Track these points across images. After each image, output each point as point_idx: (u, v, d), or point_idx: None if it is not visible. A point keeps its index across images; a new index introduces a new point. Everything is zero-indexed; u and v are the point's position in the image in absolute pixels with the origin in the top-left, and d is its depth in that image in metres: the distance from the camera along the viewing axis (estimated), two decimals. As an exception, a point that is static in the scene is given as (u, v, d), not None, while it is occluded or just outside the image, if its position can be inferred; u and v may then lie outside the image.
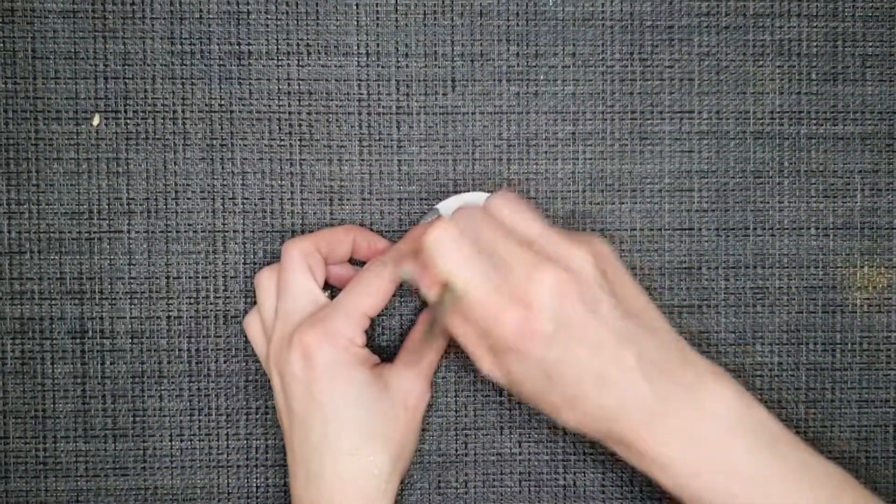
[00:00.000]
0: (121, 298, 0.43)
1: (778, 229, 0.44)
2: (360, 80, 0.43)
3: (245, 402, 0.43)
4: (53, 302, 0.43)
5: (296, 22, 0.43)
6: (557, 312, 0.34)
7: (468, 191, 0.43)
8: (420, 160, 0.43)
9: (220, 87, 0.43)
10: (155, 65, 0.43)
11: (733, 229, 0.44)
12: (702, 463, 0.35)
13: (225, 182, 0.43)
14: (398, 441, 0.38)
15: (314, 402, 0.37)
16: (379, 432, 0.37)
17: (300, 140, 0.43)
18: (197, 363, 0.43)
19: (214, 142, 0.43)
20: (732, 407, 0.35)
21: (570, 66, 0.43)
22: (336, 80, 0.43)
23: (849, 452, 0.44)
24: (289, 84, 0.43)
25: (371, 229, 0.43)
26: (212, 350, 0.43)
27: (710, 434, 0.35)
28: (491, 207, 0.37)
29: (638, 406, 0.35)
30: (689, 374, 0.35)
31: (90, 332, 0.43)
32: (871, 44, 0.43)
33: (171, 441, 0.43)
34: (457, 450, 0.44)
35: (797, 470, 0.35)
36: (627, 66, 0.43)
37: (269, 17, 0.43)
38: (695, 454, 0.35)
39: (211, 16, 0.43)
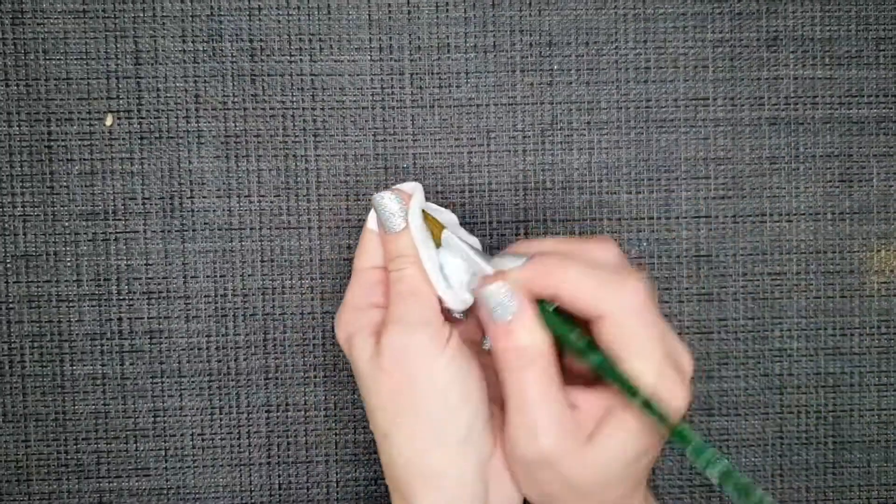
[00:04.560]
0: (138, 299, 0.43)
1: (794, 215, 0.44)
2: (374, 75, 0.43)
3: (266, 400, 0.43)
4: (71, 304, 0.43)
5: (308, 17, 0.43)
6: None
7: (483, 183, 0.43)
8: (435, 153, 0.43)
9: (233, 84, 0.43)
10: (167, 63, 0.43)
11: (750, 216, 0.44)
12: None
13: (240, 179, 0.43)
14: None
15: None
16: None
17: (314, 136, 0.43)
18: (217, 361, 0.43)
19: (228, 139, 0.43)
20: None
21: (583, 56, 0.43)
22: (349, 74, 0.43)
23: (868, 436, 0.44)
24: (302, 80, 0.43)
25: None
26: (231, 348, 0.43)
27: None
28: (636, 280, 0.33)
29: None
30: None
31: (108, 333, 0.43)
32: (884, 27, 0.43)
33: (192, 440, 0.43)
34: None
35: None
36: (641, 54, 0.43)
37: (280, 13, 0.43)
38: None
39: (222, 13, 0.42)
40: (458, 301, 0.35)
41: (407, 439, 0.34)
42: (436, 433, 0.34)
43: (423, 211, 0.35)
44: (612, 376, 0.31)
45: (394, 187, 0.35)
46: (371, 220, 0.36)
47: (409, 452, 0.35)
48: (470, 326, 0.38)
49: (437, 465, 0.34)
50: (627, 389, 0.31)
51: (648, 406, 0.31)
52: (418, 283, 0.35)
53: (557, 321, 0.33)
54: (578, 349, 0.32)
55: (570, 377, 0.34)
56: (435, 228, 0.35)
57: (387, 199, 0.35)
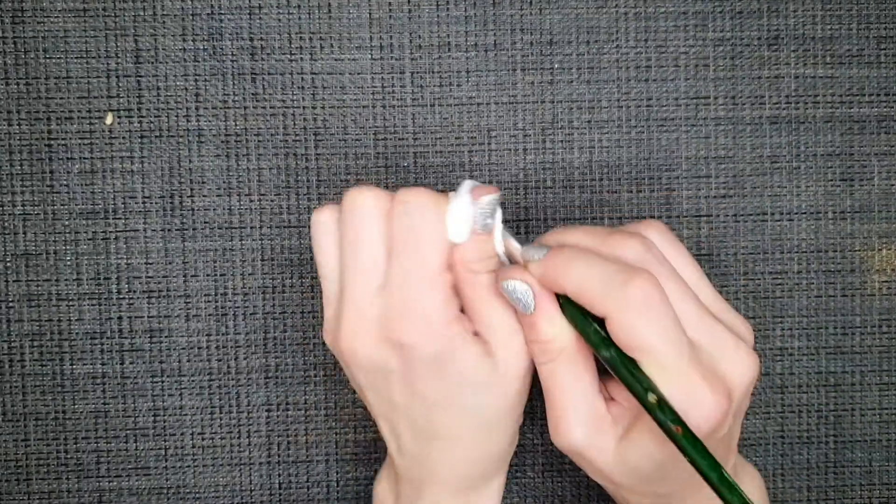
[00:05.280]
0: (138, 298, 0.43)
1: (795, 214, 0.44)
2: (374, 73, 0.43)
3: (266, 399, 0.43)
4: (70, 303, 0.43)
5: (308, 16, 0.43)
6: (738, 408, 0.32)
7: (484, 182, 0.43)
8: (436, 152, 0.43)
9: (234, 83, 0.43)
10: (167, 62, 0.42)
11: (751, 215, 0.44)
12: None
13: (240, 178, 0.43)
14: None
15: None
16: None
17: (315, 134, 0.43)
18: (217, 360, 0.43)
19: (229, 138, 0.43)
20: None
21: (584, 54, 0.43)
22: (350, 73, 0.43)
23: (870, 435, 0.44)
24: (302, 78, 0.43)
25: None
26: (231, 347, 0.43)
27: None
28: (654, 251, 0.33)
29: None
30: None
31: (108, 332, 0.43)
32: (886, 26, 0.43)
33: (192, 439, 0.43)
34: (479, 442, 0.44)
35: None
36: (642, 53, 0.43)
37: (280, 11, 0.43)
38: None
39: (223, 11, 0.42)
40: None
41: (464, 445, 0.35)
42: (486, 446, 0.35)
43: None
44: (619, 375, 0.31)
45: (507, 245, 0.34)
46: (453, 209, 0.33)
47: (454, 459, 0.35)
48: None
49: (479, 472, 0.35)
50: (633, 392, 0.31)
51: (661, 410, 0.30)
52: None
53: (577, 314, 0.32)
54: (594, 344, 0.32)
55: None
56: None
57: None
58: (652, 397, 0.30)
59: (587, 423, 0.32)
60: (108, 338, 0.43)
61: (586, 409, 0.32)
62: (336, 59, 0.43)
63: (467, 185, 0.34)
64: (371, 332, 0.33)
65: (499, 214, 0.34)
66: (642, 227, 0.34)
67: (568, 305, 0.33)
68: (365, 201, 0.34)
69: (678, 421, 0.29)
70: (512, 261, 0.34)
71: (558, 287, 0.32)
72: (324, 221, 0.35)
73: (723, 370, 0.31)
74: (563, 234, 0.35)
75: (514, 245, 0.34)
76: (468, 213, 0.33)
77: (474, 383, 0.33)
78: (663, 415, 0.30)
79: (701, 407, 0.30)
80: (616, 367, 0.31)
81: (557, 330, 0.32)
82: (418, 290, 0.33)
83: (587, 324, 0.32)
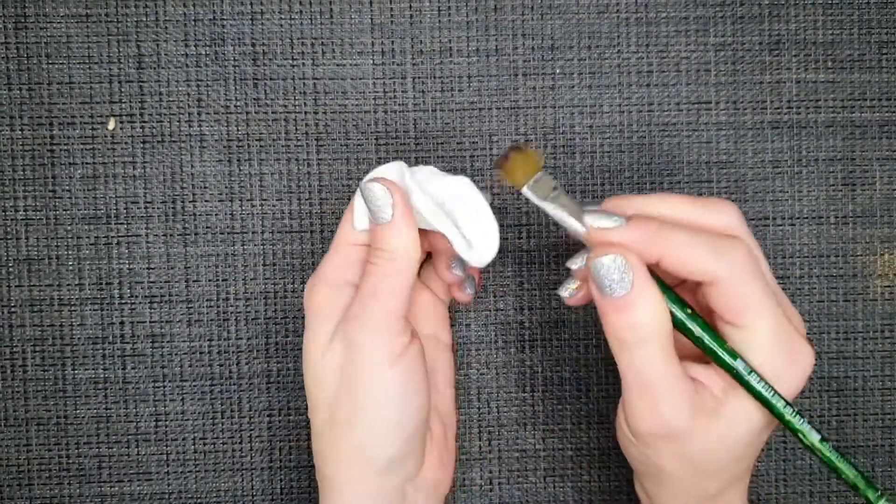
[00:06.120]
0: (140, 302, 0.43)
1: (797, 218, 0.44)
2: (376, 78, 0.43)
3: (268, 404, 0.43)
4: (72, 308, 0.43)
5: (310, 21, 0.43)
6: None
7: (486, 187, 0.43)
8: (437, 157, 0.43)
9: (236, 88, 0.43)
10: (169, 67, 0.43)
11: (752, 219, 0.44)
12: None
13: (242, 183, 0.43)
14: None
15: None
16: None
17: (317, 139, 0.43)
18: (219, 365, 0.43)
19: (231, 143, 0.43)
20: None
21: (585, 59, 0.43)
22: (351, 78, 0.43)
23: (872, 441, 0.44)
24: (304, 84, 0.43)
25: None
26: (233, 352, 0.43)
27: None
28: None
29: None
30: None
31: (110, 336, 0.43)
32: (887, 30, 0.43)
33: (193, 444, 0.43)
34: (480, 447, 0.43)
35: None
36: (643, 58, 0.43)
37: (282, 17, 0.43)
38: None
39: (225, 17, 0.43)
40: (481, 259, 0.34)
41: (333, 440, 0.34)
42: (362, 450, 0.34)
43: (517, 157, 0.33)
44: (704, 347, 0.32)
45: (378, 175, 0.35)
46: (359, 198, 0.35)
47: (333, 452, 0.34)
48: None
49: (355, 478, 0.34)
50: (720, 361, 0.32)
51: (749, 380, 0.31)
52: (387, 283, 0.33)
53: (672, 296, 0.32)
54: (683, 319, 0.32)
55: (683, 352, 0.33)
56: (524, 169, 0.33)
57: (377, 190, 0.34)
58: (741, 364, 0.31)
59: (684, 406, 0.31)
60: (109, 342, 0.43)
61: (683, 392, 0.32)
62: (338, 65, 0.43)
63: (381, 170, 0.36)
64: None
65: (404, 197, 0.34)
66: (720, 204, 0.34)
67: (665, 286, 0.32)
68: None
69: (770, 387, 0.31)
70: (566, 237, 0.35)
71: (657, 257, 0.31)
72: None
73: (797, 349, 0.32)
74: (630, 200, 0.33)
75: (572, 220, 0.32)
76: (360, 203, 0.35)
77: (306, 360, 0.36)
78: (758, 380, 0.31)
79: (802, 363, 0.31)
80: (702, 339, 0.32)
81: (656, 314, 0.31)
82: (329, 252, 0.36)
83: (681, 304, 0.32)
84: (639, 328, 0.31)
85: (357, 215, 0.35)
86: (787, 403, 0.32)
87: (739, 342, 0.32)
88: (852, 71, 0.43)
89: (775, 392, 0.31)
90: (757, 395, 0.31)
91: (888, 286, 0.44)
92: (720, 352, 0.32)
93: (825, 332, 0.44)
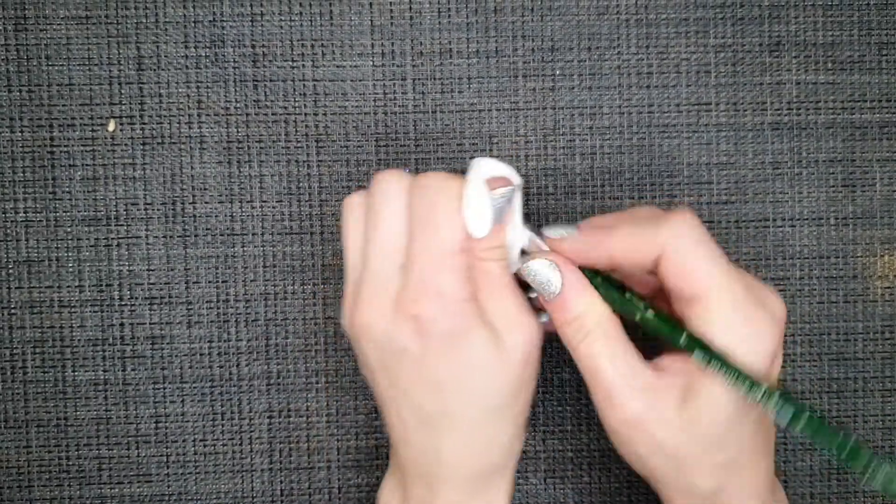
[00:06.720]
0: (140, 304, 0.43)
1: (797, 220, 0.44)
2: (376, 80, 0.43)
3: (268, 406, 0.43)
4: (73, 309, 0.43)
5: (310, 23, 0.43)
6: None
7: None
8: (437, 158, 0.43)
9: (236, 90, 0.43)
10: (169, 69, 0.43)
11: (752, 221, 0.44)
12: None
13: (242, 185, 0.43)
14: None
15: None
16: None
17: (316, 141, 0.43)
18: (219, 367, 0.43)
19: (231, 145, 0.43)
20: None
21: (585, 61, 0.43)
22: (351, 80, 0.43)
23: (873, 442, 0.44)
24: (304, 85, 0.43)
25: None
26: (233, 354, 0.43)
27: None
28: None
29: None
30: None
31: (110, 338, 0.43)
32: (887, 32, 0.43)
33: (193, 446, 0.43)
34: (480, 448, 0.43)
35: None
36: (643, 60, 0.43)
37: (282, 18, 0.43)
38: None
39: (225, 18, 0.43)
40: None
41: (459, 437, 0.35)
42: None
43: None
44: (660, 332, 0.32)
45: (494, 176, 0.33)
46: (474, 198, 0.33)
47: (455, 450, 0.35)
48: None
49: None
50: (671, 338, 0.31)
51: (713, 359, 0.31)
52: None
53: (607, 285, 0.33)
54: (632, 309, 0.32)
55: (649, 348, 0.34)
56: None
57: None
58: (691, 343, 0.31)
59: (644, 393, 0.32)
60: (109, 344, 0.43)
61: (639, 379, 0.32)
62: (338, 66, 0.43)
63: (479, 168, 0.34)
64: (388, 306, 0.33)
65: (518, 203, 0.34)
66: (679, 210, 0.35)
67: (596, 278, 0.33)
68: (389, 182, 0.34)
69: (733, 369, 0.31)
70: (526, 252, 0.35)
71: (603, 250, 0.32)
72: (353, 204, 0.35)
73: (763, 302, 0.32)
74: (592, 220, 0.35)
75: (535, 236, 0.34)
76: (485, 207, 0.33)
77: (482, 366, 0.33)
78: (723, 365, 0.31)
79: (772, 313, 0.31)
80: (657, 325, 0.32)
81: (588, 302, 0.32)
82: (434, 267, 0.33)
83: (620, 292, 0.32)
84: (577, 321, 0.32)
85: (473, 219, 0.33)
86: (755, 383, 0.31)
87: (698, 318, 0.31)
88: (852, 72, 0.43)
89: (740, 374, 0.31)
90: (722, 371, 0.31)
91: (888, 288, 0.44)
92: (674, 333, 0.32)
93: (825, 333, 0.44)
